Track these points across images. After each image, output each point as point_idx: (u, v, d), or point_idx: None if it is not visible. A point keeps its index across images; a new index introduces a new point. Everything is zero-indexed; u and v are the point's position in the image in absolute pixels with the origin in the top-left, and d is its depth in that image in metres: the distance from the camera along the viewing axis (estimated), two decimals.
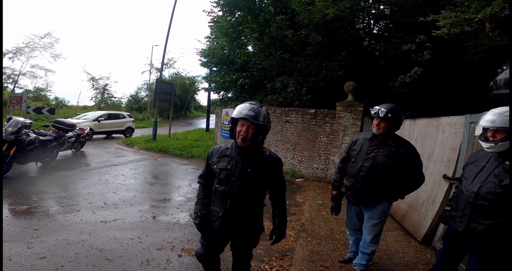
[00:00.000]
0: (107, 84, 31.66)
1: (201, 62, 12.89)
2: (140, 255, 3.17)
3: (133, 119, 17.13)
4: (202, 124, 28.10)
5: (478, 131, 2.31)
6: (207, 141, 13.39)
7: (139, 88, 36.75)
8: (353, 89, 7.20)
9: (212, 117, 18.91)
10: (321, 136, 7.76)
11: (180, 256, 3.24)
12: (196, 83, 34.82)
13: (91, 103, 31.40)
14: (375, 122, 2.72)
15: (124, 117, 16.10)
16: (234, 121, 2.04)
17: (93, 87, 31.06)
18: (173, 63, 36.45)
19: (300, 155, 8.15)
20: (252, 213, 2.15)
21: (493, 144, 2.06)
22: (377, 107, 2.70)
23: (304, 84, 8.91)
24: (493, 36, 5.22)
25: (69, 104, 28.83)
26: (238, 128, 2.01)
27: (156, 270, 2.92)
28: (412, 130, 4.97)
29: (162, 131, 15.41)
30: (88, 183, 6.03)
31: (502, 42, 6.46)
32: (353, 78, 7.68)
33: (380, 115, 2.64)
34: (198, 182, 2.29)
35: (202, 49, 12.98)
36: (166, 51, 14.01)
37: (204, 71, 33.31)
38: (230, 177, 2.05)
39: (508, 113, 2.01)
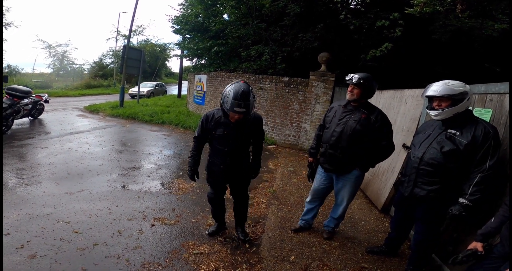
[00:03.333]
0: (66, 51, 30.86)
1: (174, 29, 12.53)
2: (110, 226, 3.12)
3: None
4: (173, 90, 27.61)
5: (426, 102, 2.39)
6: (179, 107, 12.98)
7: (103, 55, 35.33)
8: (327, 60, 7.26)
9: (185, 84, 18.80)
10: (294, 104, 7.80)
11: (153, 225, 3.23)
12: (168, 50, 34.74)
13: (49, 71, 30.12)
14: (349, 88, 2.73)
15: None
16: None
17: (50, 55, 29.94)
18: (142, 30, 36.15)
19: (273, 122, 8.19)
20: (243, 160, 2.78)
21: (440, 111, 2.17)
22: (351, 74, 2.71)
23: (279, 54, 8.88)
24: (462, 18, 5.33)
25: (24, 71, 26.72)
26: (231, 115, 2.46)
27: (129, 240, 2.90)
28: (378, 101, 5.09)
29: (129, 97, 14.57)
30: (48, 152, 5.67)
31: (470, 24, 6.62)
32: (327, 50, 7.73)
33: (354, 81, 2.66)
34: (193, 141, 2.83)
35: (175, 16, 12.49)
36: (135, 18, 13.13)
37: (177, 38, 33.54)
38: (228, 140, 2.61)
39: (452, 83, 2.14)
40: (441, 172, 2.23)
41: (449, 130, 2.23)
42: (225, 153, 2.66)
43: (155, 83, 23.49)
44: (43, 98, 9.17)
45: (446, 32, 6.62)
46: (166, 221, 3.35)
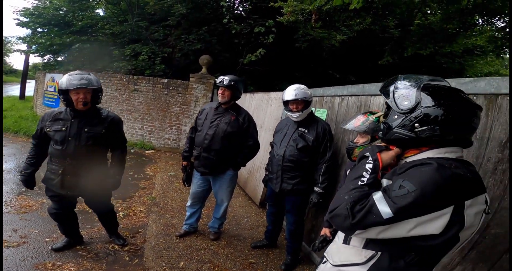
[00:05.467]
0: None
1: (19, 21, 10.77)
2: None
3: None
4: (13, 90, 21.17)
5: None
6: (21, 111, 10.36)
7: None
8: (208, 63, 7.35)
9: (31, 83, 15.29)
10: (173, 106, 7.50)
11: None
12: (9, 44, 27.92)
13: None
14: (220, 91, 2.80)
15: None
16: (65, 92, 2.13)
17: None
18: None
19: (150, 126, 7.61)
20: (94, 168, 2.33)
21: (301, 113, 2.52)
22: (222, 77, 2.79)
23: (160, 54, 8.44)
24: (317, 28, 6.32)
25: None
26: (74, 97, 2.14)
27: None
28: (251, 103, 5.47)
29: None
30: None
31: (322, 34, 8.04)
32: (209, 52, 7.85)
33: (225, 83, 2.74)
34: (31, 143, 2.38)
35: (24, 7, 10.73)
36: None
37: (23, 31, 28.30)
38: (66, 138, 2.21)
39: (303, 87, 2.55)
40: (300, 166, 2.56)
41: (300, 129, 2.59)
42: (63, 155, 2.22)
43: None
44: None
45: (305, 41, 7.85)
46: (6, 244, 2.58)
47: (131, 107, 7.63)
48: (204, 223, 3.43)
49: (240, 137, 2.87)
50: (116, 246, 2.79)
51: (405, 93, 1.02)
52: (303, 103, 2.51)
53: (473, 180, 0.92)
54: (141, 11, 9.74)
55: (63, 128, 2.21)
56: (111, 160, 2.52)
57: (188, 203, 3.13)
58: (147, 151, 7.22)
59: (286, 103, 2.57)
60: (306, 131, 2.55)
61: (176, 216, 3.66)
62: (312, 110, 2.64)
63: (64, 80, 2.13)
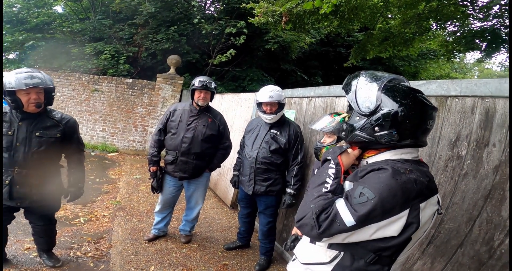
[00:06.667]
0: None
1: None
2: None
3: None
4: None
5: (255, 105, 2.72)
6: None
7: None
8: (176, 63, 7.18)
9: None
10: (139, 107, 7.22)
11: None
12: None
13: None
14: (201, 94, 2.72)
15: None
16: (12, 92, 1.88)
17: None
18: None
19: (113, 127, 7.26)
20: (47, 176, 2.11)
21: (275, 115, 2.53)
22: (202, 79, 2.70)
23: (124, 53, 8.10)
24: (286, 30, 6.42)
25: None
26: (24, 98, 1.91)
27: None
28: (221, 104, 5.44)
29: None
30: None
31: (291, 36, 8.20)
32: (178, 52, 7.69)
33: (208, 86, 2.70)
34: None
35: None
36: None
37: None
38: (14, 143, 1.96)
39: (278, 89, 2.55)
40: (272, 168, 2.57)
41: (272, 130, 2.60)
42: (11, 162, 1.95)
43: None
44: None
45: (276, 42, 7.96)
46: None
47: (91, 107, 7.23)
48: (174, 226, 3.35)
49: (217, 138, 2.86)
50: (78, 253, 2.63)
51: (366, 94, 1.03)
52: (277, 105, 2.51)
53: (426, 183, 0.97)
54: (105, 9, 9.37)
55: (10, 132, 1.94)
56: (69, 166, 2.27)
57: (157, 209, 3.01)
58: (109, 154, 6.88)
59: (260, 104, 2.56)
60: (278, 133, 2.55)
61: (144, 220, 3.53)
62: (284, 113, 2.66)
63: (12, 79, 1.85)
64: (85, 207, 3.68)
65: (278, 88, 2.57)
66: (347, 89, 1.11)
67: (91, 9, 9.64)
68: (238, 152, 2.91)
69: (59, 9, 11.54)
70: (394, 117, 0.98)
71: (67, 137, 2.14)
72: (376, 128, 1.01)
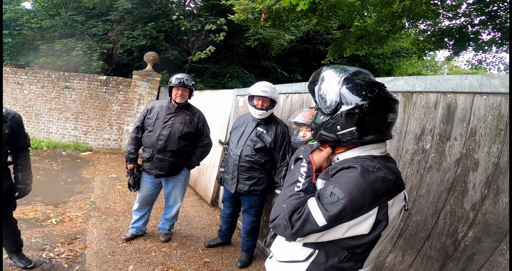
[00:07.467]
0: None
1: None
2: None
3: None
4: None
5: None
6: None
7: None
8: (154, 60, 6.99)
9: None
10: (113, 105, 7.00)
11: None
12: None
13: None
14: (179, 92, 2.68)
15: None
16: None
17: None
18: None
19: (85, 125, 7.01)
20: None
21: (265, 111, 2.48)
22: (179, 77, 2.66)
23: (98, 50, 7.79)
24: (267, 28, 6.44)
25: None
26: None
27: None
28: (200, 101, 5.38)
29: None
30: None
31: (272, 33, 8.23)
32: (155, 49, 7.52)
33: (186, 83, 2.65)
34: None
35: None
36: None
37: None
38: None
39: (274, 86, 2.55)
40: (256, 167, 2.52)
41: (258, 128, 2.55)
42: None
43: None
44: None
45: (256, 39, 7.96)
46: None
47: (61, 105, 6.94)
48: (153, 225, 3.30)
49: (196, 136, 2.81)
50: (51, 254, 2.54)
51: (326, 91, 1.04)
52: (269, 102, 2.47)
53: (393, 180, 0.99)
54: (78, 5, 9.01)
55: None
56: (16, 163, 2.18)
57: (135, 207, 2.96)
58: (82, 153, 6.63)
59: (251, 98, 2.50)
60: (264, 131, 2.49)
61: (121, 219, 3.45)
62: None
63: None
64: (57, 208, 3.54)
65: (273, 85, 2.54)
66: (311, 88, 1.11)
67: (62, 5, 9.25)
68: (226, 149, 2.86)
69: (27, 5, 11.07)
70: (353, 115, 0.99)
71: (16, 133, 2.08)
72: (338, 127, 1.02)
